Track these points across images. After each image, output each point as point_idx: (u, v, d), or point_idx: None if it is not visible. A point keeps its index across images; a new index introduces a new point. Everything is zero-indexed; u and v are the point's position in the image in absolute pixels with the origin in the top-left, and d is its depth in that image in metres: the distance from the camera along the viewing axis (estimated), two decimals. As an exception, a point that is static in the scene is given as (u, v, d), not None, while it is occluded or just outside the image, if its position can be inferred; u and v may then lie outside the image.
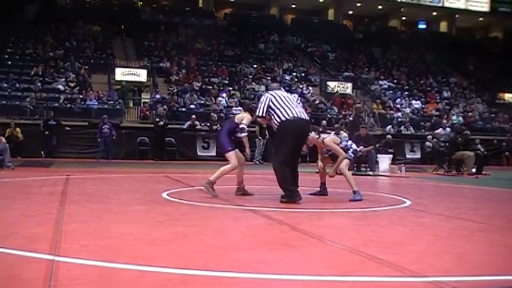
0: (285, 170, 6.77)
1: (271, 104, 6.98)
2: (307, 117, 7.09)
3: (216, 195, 7.19)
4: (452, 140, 16.43)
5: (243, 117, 7.69)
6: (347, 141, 7.87)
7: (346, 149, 7.59)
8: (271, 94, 7.12)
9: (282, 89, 7.71)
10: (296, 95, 7.54)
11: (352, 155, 7.69)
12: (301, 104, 7.29)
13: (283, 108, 6.87)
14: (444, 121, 23.75)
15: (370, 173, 14.47)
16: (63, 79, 23.88)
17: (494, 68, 34.96)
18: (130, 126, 21.53)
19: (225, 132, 7.69)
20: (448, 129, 21.13)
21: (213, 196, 7.18)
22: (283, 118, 6.82)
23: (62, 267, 3.12)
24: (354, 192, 7.29)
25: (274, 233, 4.78)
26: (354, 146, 7.82)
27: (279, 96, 7.03)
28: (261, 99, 7.20)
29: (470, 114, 28.60)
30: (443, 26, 42.77)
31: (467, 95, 32.18)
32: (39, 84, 22.99)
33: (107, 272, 3.08)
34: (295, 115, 6.83)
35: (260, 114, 7.07)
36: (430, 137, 21.13)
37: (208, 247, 3.88)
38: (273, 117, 6.98)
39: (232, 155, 7.49)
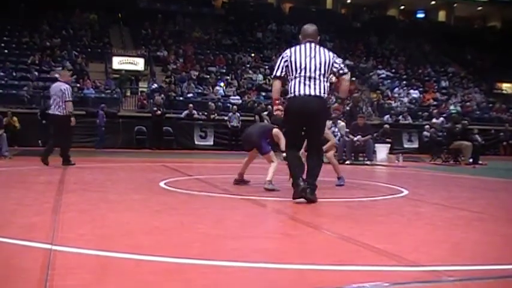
0: (290, 159, 5.93)
1: (286, 65, 5.87)
2: (317, 92, 5.71)
3: (278, 189, 6.94)
4: (450, 130, 16.44)
5: (279, 136, 7.39)
6: (335, 126, 8.26)
7: (334, 135, 8.04)
8: (289, 53, 5.90)
9: (309, 44, 5.96)
10: (325, 53, 5.91)
11: (338, 141, 8.01)
12: (327, 67, 5.81)
13: (293, 79, 5.79)
14: (435, 111, 23.71)
15: (368, 162, 14.49)
16: (60, 68, 23.80)
17: (492, 58, 34.95)
18: (128, 116, 21.52)
19: (260, 137, 7.49)
20: (441, 118, 21.11)
21: (277, 190, 6.90)
22: (290, 94, 5.83)
23: (59, 256, 3.12)
24: (339, 177, 7.82)
25: (271, 222, 4.79)
26: (340, 133, 8.15)
27: (296, 57, 5.82)
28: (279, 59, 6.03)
29: (468, 104, 28.64)
30: (441, 16, 42.70)
31: (465, 84, 32.21)
32: (36, 73, 22.91)
33: (104, 261, 3.08)
34: (301, 91, 5.71)
35: (278, 74, 5.90)
36: (427, 126, 21.14)
37: (205, 236, 3.88)
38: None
39: (272, 155, 7.42)
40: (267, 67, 27.37)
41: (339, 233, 4.09)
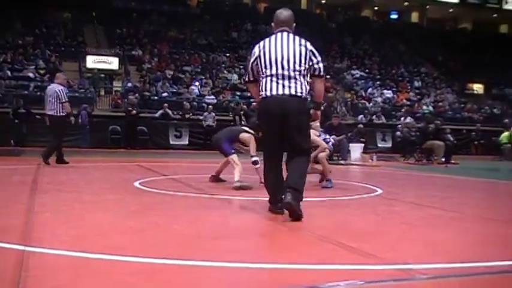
0: (266, 173, 5.05)
1: (255, 63, 5.00)
2: (293, 91, 4.74)
3: (250, 186, 6.99)
4: (423, 130, 16.64)
5: (248, 140, 7.37)
6: (325, 134, 8.27)
7: (326, 142, 7.99)
8: (260, 47, 5.02)
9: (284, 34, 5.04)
10: (301, 44, 4.94)
11: (332, 146, 8.13)
12: (304, 60, 4.83)
13: (264, 77, 4.88)
14: (403, 110, 23.88)
15: (342, 162, 14.58)
16: (33, 66, 23.51)
17: (463, 59, 35.45)
18: (102, 115, 21.32)
19: (225, 142, 7.47)
20: (409, 118, 21.29)
21: (249, 187, 6.97)
22: (261, 94, 4.91)
23: (33, 257, 3.08)
24: (327, 180, 7.65)
25: (246, 222, 4.80)
26: (333, 140, 8.27)
27: (266, 51, 4.92)
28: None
29: (440, 104, 29.00)
30: (414, 17, 43.20)
31: (438, 85, 32.62)
32: (8, 71, 22.57)
33: (79, 262, 3.05)
34: (273, 91, 4.78)
35: (250, 78, 5.15)
36: (400, 126, 21.35)
37: (180, 236, 3.88)
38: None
39: (234, 158, 7.37)
40: (242, 67, 27.37)
41: (314, 232, 4.11)
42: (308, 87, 4.85)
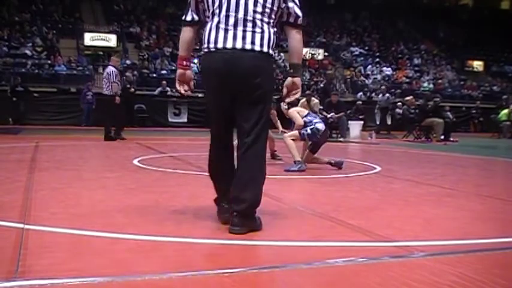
0: (212, 161, 3.58)
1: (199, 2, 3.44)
2: (252, 44, 3.26)
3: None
4: (422, 107, 16.62)
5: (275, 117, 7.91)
6: (314, 117, 7.31)
7: (306, 124, 7.14)
8: None
9: None
10: None
11: (309, 131, 7.06)
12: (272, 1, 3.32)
13: (210, 21, 3.35)
14: (383, 87, 23.75)
15: (341, 139, 14.59)
16: (30, 44, 23.35)
17: (463, 36, 35.24)
18: (100, 93, 21.22)
19: None
20: (387, 94, 21.20)
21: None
22: (204, 46, 3.37)
23: (32, 235, 3.09)
24: (296, 162, 6.99)
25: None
26: (319, 126, 7.06)
27: None
28: None
29: (440, 81, 28.92)
30: (414, -7, 42.80)
31: (437, 62, 32.48)
32: (5, 48, 22.43)
33: (78, 240, 3.06)
34: (221, 42, 3.27)
35: (187, 18, 3.50)
36: (400, 103, 21.31)
37: (179, 214, 3.88)
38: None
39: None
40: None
41: (313, 210, 4.12)
42: (275, 40, 3.39)
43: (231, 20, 3.25)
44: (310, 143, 7.29)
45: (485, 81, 31.02)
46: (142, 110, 20.15)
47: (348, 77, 27.24)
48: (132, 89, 19.72)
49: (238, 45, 3.23)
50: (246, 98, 3.29)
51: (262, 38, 3.28)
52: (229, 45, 3.24)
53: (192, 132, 16.24)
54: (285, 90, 3.54)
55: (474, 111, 24.83)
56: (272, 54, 3.38)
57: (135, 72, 21.60)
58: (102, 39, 25.18)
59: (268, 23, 3.33)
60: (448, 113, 19.94)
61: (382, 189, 5.59)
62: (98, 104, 19.73)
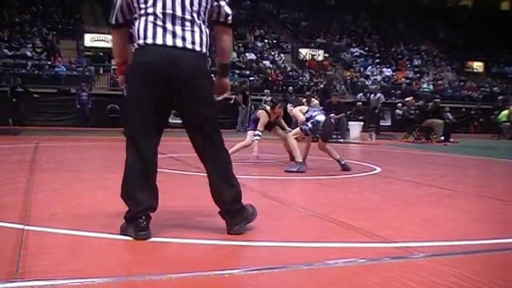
0: (129, 164, 3.22)
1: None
2: (189, 42, 3.12)
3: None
4: (422, 108, 16.62)
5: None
6: (314, 111, 7.32)
7: (307, 119, 7.14)
8: None
9: None
10: None
11: (310, 125, 7.05)
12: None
13: (143, 15, 3.15)
14: (373, 87, 23.72)
15: (341, 140, 14.59)
16: (30, 45, 23.34)
17: (463, 37, 35.25)
18: (101, 94, 21.25)
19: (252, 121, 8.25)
20: (379, 94, 21.18)
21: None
22: (137, 42, 3.16)
23: (32, 236, 3.09)
24: (296, 162, 7.01)
25: (245, 200, 4.80)
26: (319, 118, 7.04)
27: None
28: None
29: (440, 82, 28.92)
30: (414, -7, 42.82)
31: (437, 63, 32.49)
32: (5, 50, 22.44)
33: (78, 240, 3.06)
34: (157, 39, 3.10)
35: (114, 21, 3.40)
36: (400, 104, 21.31)
37: (180, 214, 3.88)
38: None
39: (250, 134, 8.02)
40: (240, 45, 27.23)
41: (313, 211, 4.12)
42: (209, 41, 3.25)
43: (169, 18, 3.10)
44: (313, 136, 7.39)
45: (485, 82, 31.02)
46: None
47: (348, 77, 27.25)
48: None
49: (179, 43, 3.10)
50: (190, 98, 3.17)
51: (201, 38, 3.17)
52: (169, 42, 3.09)
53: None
54: (215, 91, 3.45)
55: (474, 112, 24.83)
56: (206, 55, 3.27)
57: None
58: (102, 40, 25.13)
59: (203, 22, 3.22)
60: (448, 114, 19.94)
61: (382, 190, 5.59)
62: (96, 105, 19.80)
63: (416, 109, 17.10)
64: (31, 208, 3.91)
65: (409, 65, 30.93)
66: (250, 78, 23.25)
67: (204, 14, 3.21)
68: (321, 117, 7.08)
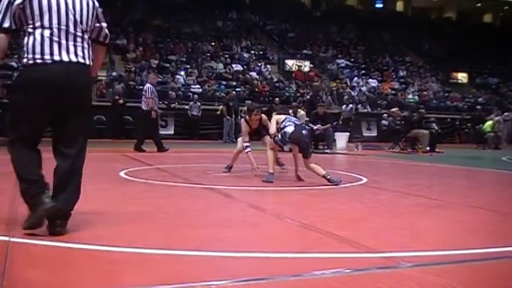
0: (16, 160, 3.78)
1: (21, 5, 3.32)
2: (81, 58, 3.44)
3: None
4: (408, 119, 16.73)
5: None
6: (288, 121, 7.03)
7: (278, 130, 6.98)
8: None
9: None
10: None
11: (279, 136, 6.90)
12: (91, 17, 3.57)
13: (38, 27, 3.33)
14: (346, 97, 23.90)
15: (328, 150, 14.62)
16: (16, 56, 23.21)
17: (448, 48, 35.61)
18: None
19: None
20: (350, 105, 21.34)
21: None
22: (30, 57, 3.34)
23: (17, 248, 3.06)
24: (268, 172, 6.88)
25: (232, 211, 4.80)
26: (287, 130, 6.81)
27: None
28: None
29: (425, 93, 29.15)
30: (399, 6, 43.25)
31: (422, 74, 32.76)
32: (-10, 61, 22.32)
33: (64, 252, 3.04)
34: (55, 55, 3.33)
35: (5, 25, 3.34)
36: (386, 115, 21.44)
37: (166, 225, 3.87)
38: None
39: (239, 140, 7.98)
40: (227, 56, 27.28)
41: (300, 221, 4.12)
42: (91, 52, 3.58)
43: (63, 34, 3.36)
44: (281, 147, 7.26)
45: (469, 92, 31.30)
46: (130, 121, 20.06)
47: (334, 88, 27.37)
48: (121, 101, 19.68)
49: (74, 58, 3.38)
50: (78, 108, 3.47)
51: (88, 53, 3.51)
52: (65, 58, 3.35)
53: (178, 144, 16.19)
54: None
55: (458, 123, 25.05)
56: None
57: (122, 84, 21.54)
58: (88, 51, 25.11)
59: (89, 39, 3.55)
60: (434, 124, 20.08)
61: (369, 201, 5.60)
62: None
63: (402, 120, 17.19)
64: (16, 220, 3.87)
65: (394, 76, 31.14)
66: (237, 89, 23.28)
67: (88, 32, 3.54)
68: (290, 129, 6.83)
